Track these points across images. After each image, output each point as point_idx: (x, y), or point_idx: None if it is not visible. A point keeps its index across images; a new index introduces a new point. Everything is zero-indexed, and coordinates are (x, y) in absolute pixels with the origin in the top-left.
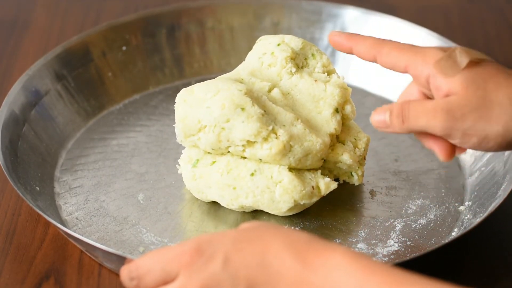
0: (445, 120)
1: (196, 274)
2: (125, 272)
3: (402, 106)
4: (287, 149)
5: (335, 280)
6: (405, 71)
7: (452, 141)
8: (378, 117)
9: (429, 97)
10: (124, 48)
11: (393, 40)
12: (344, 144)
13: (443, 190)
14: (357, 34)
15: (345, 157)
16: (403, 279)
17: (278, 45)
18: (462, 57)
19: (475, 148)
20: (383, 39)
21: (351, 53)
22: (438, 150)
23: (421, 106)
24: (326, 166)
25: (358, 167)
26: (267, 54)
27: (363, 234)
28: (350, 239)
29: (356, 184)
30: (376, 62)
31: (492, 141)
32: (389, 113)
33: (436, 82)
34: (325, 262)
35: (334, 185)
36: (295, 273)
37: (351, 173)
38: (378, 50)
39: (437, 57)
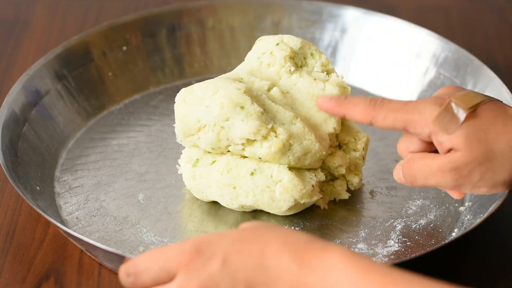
0: (453, 179)
1: (195, 275)
2: (123, 269)
3: (408, 166)
4: (286, 148)
5: (332, 281)
6: (404, 130)
7: (463, 191)
8: (396, 174)
9: (429, 143)
10: (124, 48)
11: (384, 98)
12: (344, 144)
13: (443, 191)
14: (346, 99)
15: (338, 161)
16: (400, 279)
17: (277, 44)
18: (459, 109)
19: (485, 193)
20: (375, 101)
21: (345, 118)
22: (450, 192)
23: (427, 168)
24: (325, 167)
25: (356, 174)
26: (266, 54)
27: (363, 234)
28: (350, 239)
29: (354, 187)
30: (373, 125)
31: (500, 187)
32: (401, 172)
33: (438, 139)
34: (323, 263)
35: (345, 195)
36: (292, 274)
37: (346, 178)
38: (373, 115)
39: (434, 114)
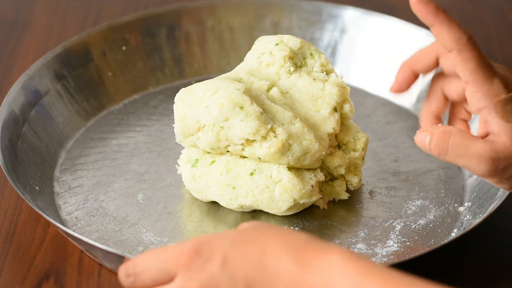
0: (487, 169)
1: (195, 275)
2: (122, 269)
3: (442, 137)
4: (286, 148)
5: (331, 280)
6: (465, 85)
7: (488, 181)
8: (420, 138)
9: (450, 100)
10: (124, 48)
11: (476, 43)
12: (343, 144)
13: (442, 191)
14: (444, 13)
15: (337, 161)
16: (399, 281)
17: (277, 44)
18: None
19: (506, 190)
20: (469, 36)
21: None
22: (398, 80)
23: (464, 148)
24: (324, 168)
25: (355, 174)
26: (266, 54)
27: (362, 234)
28: (350, 239)
29: (353, 187)
30: (438, 58)
31: None
32: (429, 138)
33: (487, 117)
34: (322, 263)
35: (345, 196)
36: (292, 273)
37: (346, 179)
38: (459, 48)
39: (501, 96)
